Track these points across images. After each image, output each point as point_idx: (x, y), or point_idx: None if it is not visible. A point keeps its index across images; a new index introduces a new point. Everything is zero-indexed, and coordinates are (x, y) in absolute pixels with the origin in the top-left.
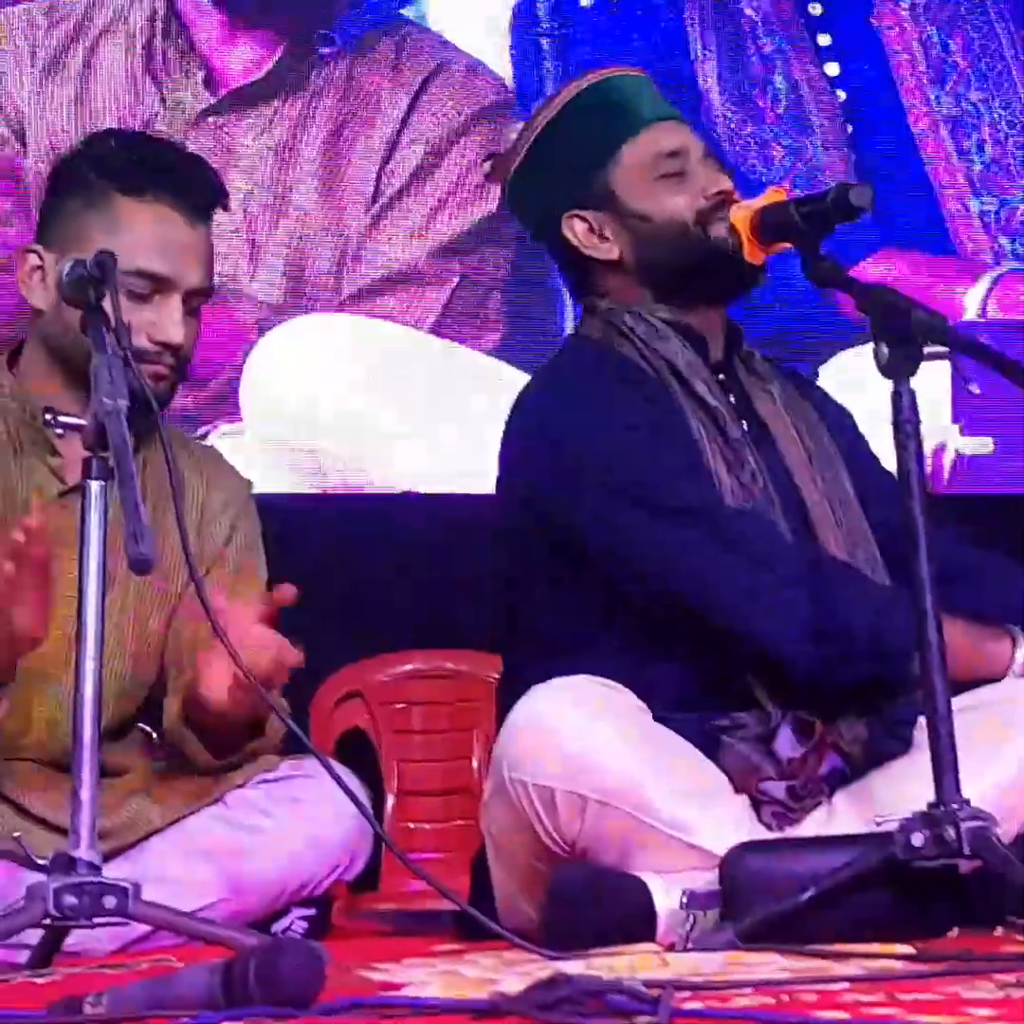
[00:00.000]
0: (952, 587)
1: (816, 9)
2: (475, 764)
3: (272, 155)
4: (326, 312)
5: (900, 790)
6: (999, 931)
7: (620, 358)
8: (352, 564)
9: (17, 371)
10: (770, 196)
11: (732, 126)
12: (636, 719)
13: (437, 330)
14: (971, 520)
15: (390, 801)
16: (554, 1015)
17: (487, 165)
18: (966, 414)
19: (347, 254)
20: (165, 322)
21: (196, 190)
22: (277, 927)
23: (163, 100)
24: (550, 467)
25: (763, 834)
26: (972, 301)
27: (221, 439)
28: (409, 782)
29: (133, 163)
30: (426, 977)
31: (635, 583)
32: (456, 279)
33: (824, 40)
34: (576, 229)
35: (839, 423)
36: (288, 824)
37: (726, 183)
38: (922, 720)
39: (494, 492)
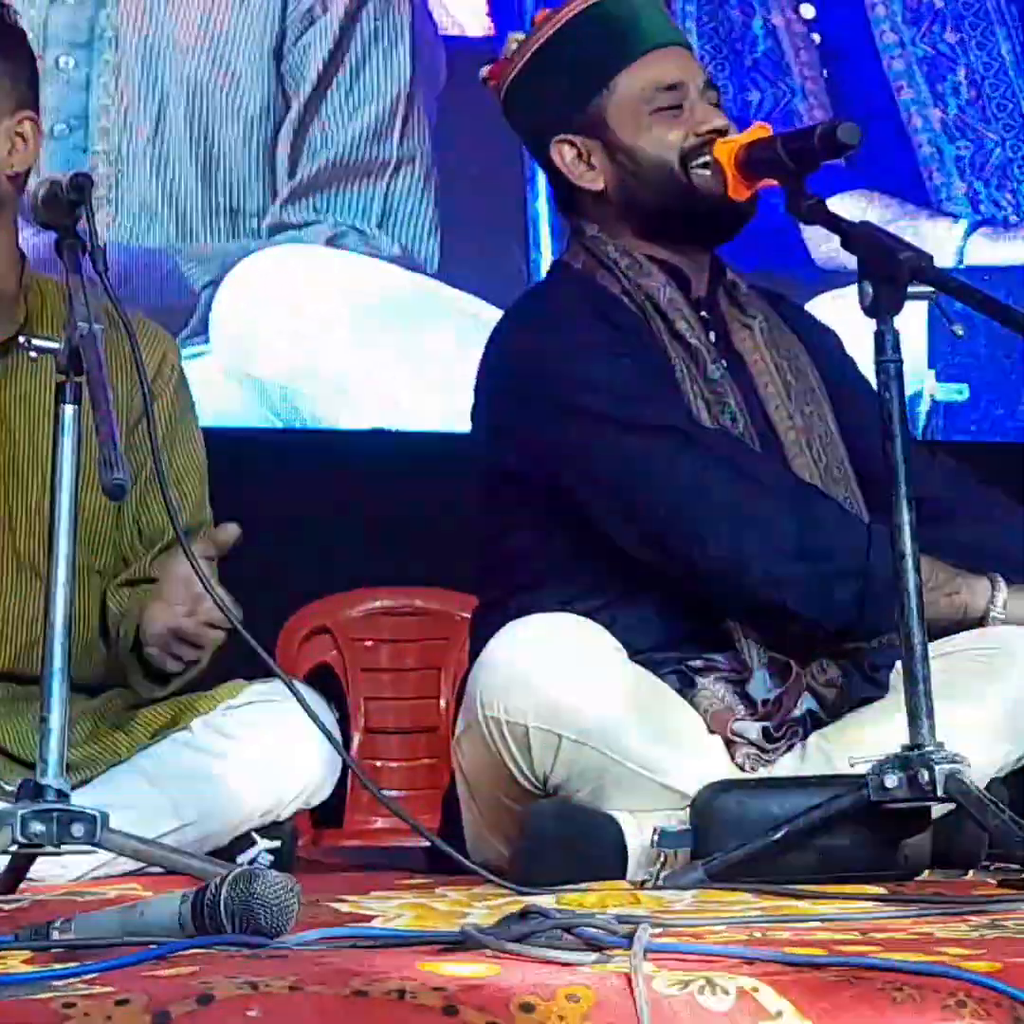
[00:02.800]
0: (938, 526)
1: None
2: (443, 703)
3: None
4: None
5: (874, 733)
6: (970, 875)
7: (601, 290)
8: (322, 500)
9: None
10: (755, 132)
11: (710, 71)
12: (612, 658)
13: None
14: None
15: (356, 739)
16: (526, 947)
17: (485, 70)
18: (942, 361)
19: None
20: None
21: None
22: (242, 859)
23: None
24: (526, 394)
25: (736, 775)
26: (947, 249)
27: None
28: (376, 720)
29: None
30: (395, 910)
31: (611, 505)
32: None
33: (807, 12)
34: (564, 154)
35: (826, 350)
36: (253, 749)
37: (719, 121)
38: (899, 665)
39: (468, 428)
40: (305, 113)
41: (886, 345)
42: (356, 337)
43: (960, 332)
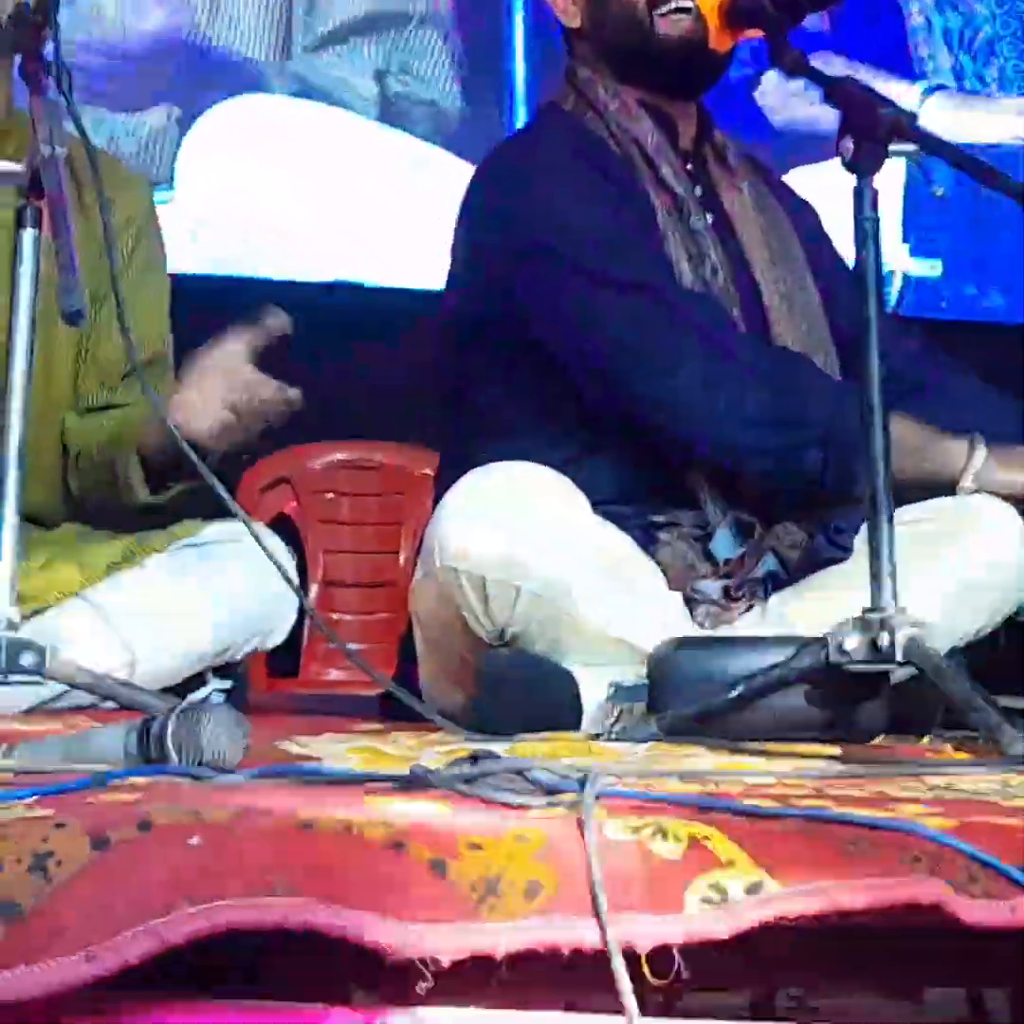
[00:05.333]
0: (910, 398)
1: None
2: (402, 558)
3: None
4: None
5: (836, 596)
6: (925, 741)
7: (588, 133)
8: (284, 352)
9: None
10: None
11: None
12: (573, 510)
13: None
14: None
15: (314, 590)
16: (476, 789)
17: None
18: (915, 235)
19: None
20: None
21: None
22: (193, 698)
23: None
24: (504, 239)
25: (695, 633)
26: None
27: None
28: (334, 572)
29: None
30: (346, 753)
31: (579, 361)
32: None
33: None
34: None
35: (805, 221)
36: (208, 589)
37: None
38: (864, 528)
39: (435, 285)
40: None
41: (864, 202)
42: (323, 190)
43: (941, 192)
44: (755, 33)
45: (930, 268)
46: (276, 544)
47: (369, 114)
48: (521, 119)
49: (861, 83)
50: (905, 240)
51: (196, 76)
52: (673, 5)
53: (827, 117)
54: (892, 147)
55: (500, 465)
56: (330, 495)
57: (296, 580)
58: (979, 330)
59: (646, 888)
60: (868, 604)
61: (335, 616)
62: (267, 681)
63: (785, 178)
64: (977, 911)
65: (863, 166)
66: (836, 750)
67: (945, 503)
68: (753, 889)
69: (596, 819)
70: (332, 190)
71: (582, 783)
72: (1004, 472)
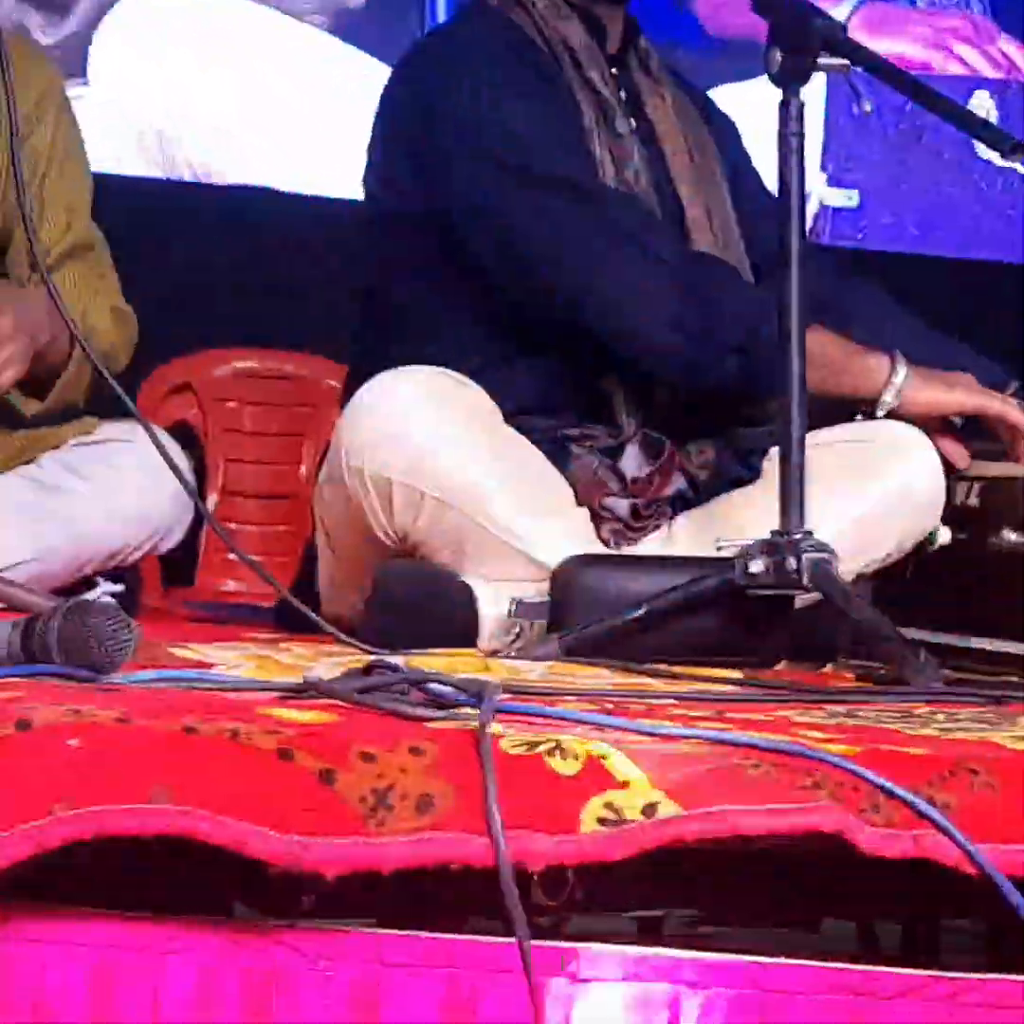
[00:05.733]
0: (825, 316)
1: None
2: (303, 471)
3: None
4: None
5: (743, 518)
6: (828, 668)
7: (515, 28)
8: (197, 256)
9: None
10: None
11: None
12: (485, 419)
13: None
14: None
15: (213, 499)
16: (371, 699)
17: None
18: (833, 164)
19: None
20: None
21: None
22: (81, 599)
23: None
24: (425, 132)
25: (600, 549)
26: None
27: None
28: (234, 482)
29: None
30: (238, 659)
31: (498, 255)
32: None
33: None
34: None
35: (726, 138)
36: (102, 488)
37: None
38: (773, 451)
39: (349, 195)
40: None
41: (790, 116)
42: (241, 90)
43: (868, 108)
44: None
45: (847, 198)
46: (173, 447)
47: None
48: (441, 16)
49: None
50: (823, 169)
51: None
52: None
53: (763, 28)
54: (821, 60)
55: (412, 368)
56: (233, 403)
57: (193, 483)
58: (893, 260)
59: (541, 806)
60: (774, 527)
61: (234, 526)
62: (161, 589)
63: (717, 91)
64: (878, 840)
65: (790, 78)
66: (739, 674)
67: (859, 428)
68: (650, 810)
69: (493, 733)
70: (240, 89)
71: (479, 697)
72: (927, 390)
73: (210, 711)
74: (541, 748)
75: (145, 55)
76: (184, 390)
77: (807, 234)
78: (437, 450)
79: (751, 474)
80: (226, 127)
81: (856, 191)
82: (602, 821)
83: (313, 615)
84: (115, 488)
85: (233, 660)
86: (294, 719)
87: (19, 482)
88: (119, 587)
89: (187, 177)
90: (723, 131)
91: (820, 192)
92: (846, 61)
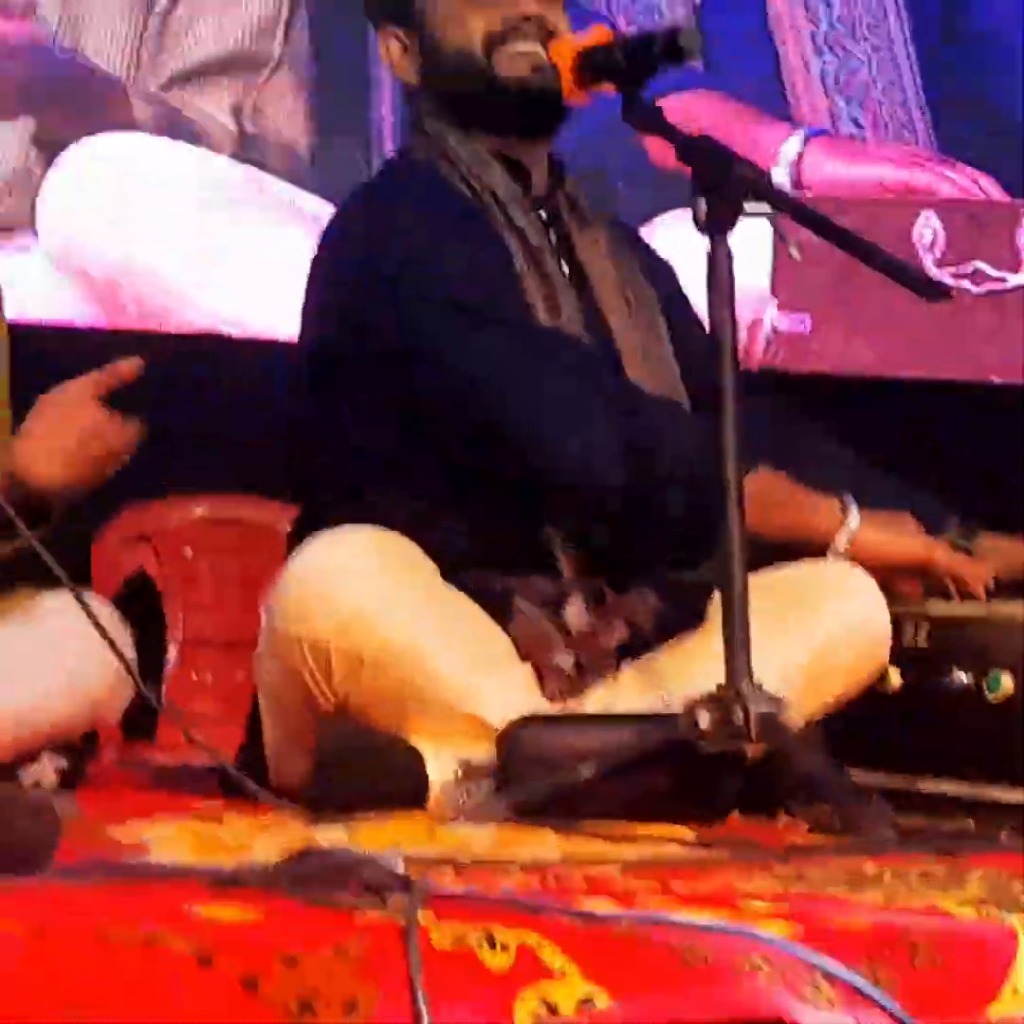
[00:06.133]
0: (768, 456)
1: None
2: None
3: None
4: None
5: (688, 667)
6: (782, 818)
7: (439, 180)
8: (145, 402)
9: None
10: (594, 35)
11: None
12: (421, 576)
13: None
14: (785, 398)
15: (173, 650)
16: (302, 890)
17: None
18: (784, 289)
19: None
20: None
21: None
22: (26, 774)
23: None
24: (358, 275)
25: (545, 706)
26: (781, 164)
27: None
28: (194, 631)
29: None
30: (177, 837)
31: (435, 393)
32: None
33: None
34: (390, 47)
35: (661, 276)
36: (42, 662)
37: (530, 5)
38: (717, 595)
39: (291, 335)
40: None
41: (718, 264)
42: (185, 232)
43: (796, 254)
44: (608, 88)
45: (799, 322)
46: (111, 616)
47: (225, 151)
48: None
49: (712, 140)
50: (774, 293)
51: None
52: (512, 50)
53: None
54: (746, 206)
55: (343, 530)
56: (190, 552)
57: (132, 653)
58: (848, 383)
59: (473, 1003)
60: (721, 677)
61: (196, 676)
62: (122, 743)
63: (664, 217)
64: (820, 1021)
65: (715, 226)
66: (689, 833)
67: (802, 569)
68: (586, 1005)
69: (421, 926)
70: (193, 233)
71: (409, 884)
72: (876, 535)
73: (126, 912)
74: (472, 940)
75: (92, 204)
76: (140, 540)
77: (760, 358)
78: (373, 612)
79: (695, 619)
80: (173, 273)
81: (808, 315)
82: (537, 1018)
83: (251, 784)
84: (55, 662)
85: (172, 837)
86: (217, 917)
87: None
88: (63, 762)
89: (134, 325)
90: (657, 269)
91: (771, 317)
92: (768, 207)
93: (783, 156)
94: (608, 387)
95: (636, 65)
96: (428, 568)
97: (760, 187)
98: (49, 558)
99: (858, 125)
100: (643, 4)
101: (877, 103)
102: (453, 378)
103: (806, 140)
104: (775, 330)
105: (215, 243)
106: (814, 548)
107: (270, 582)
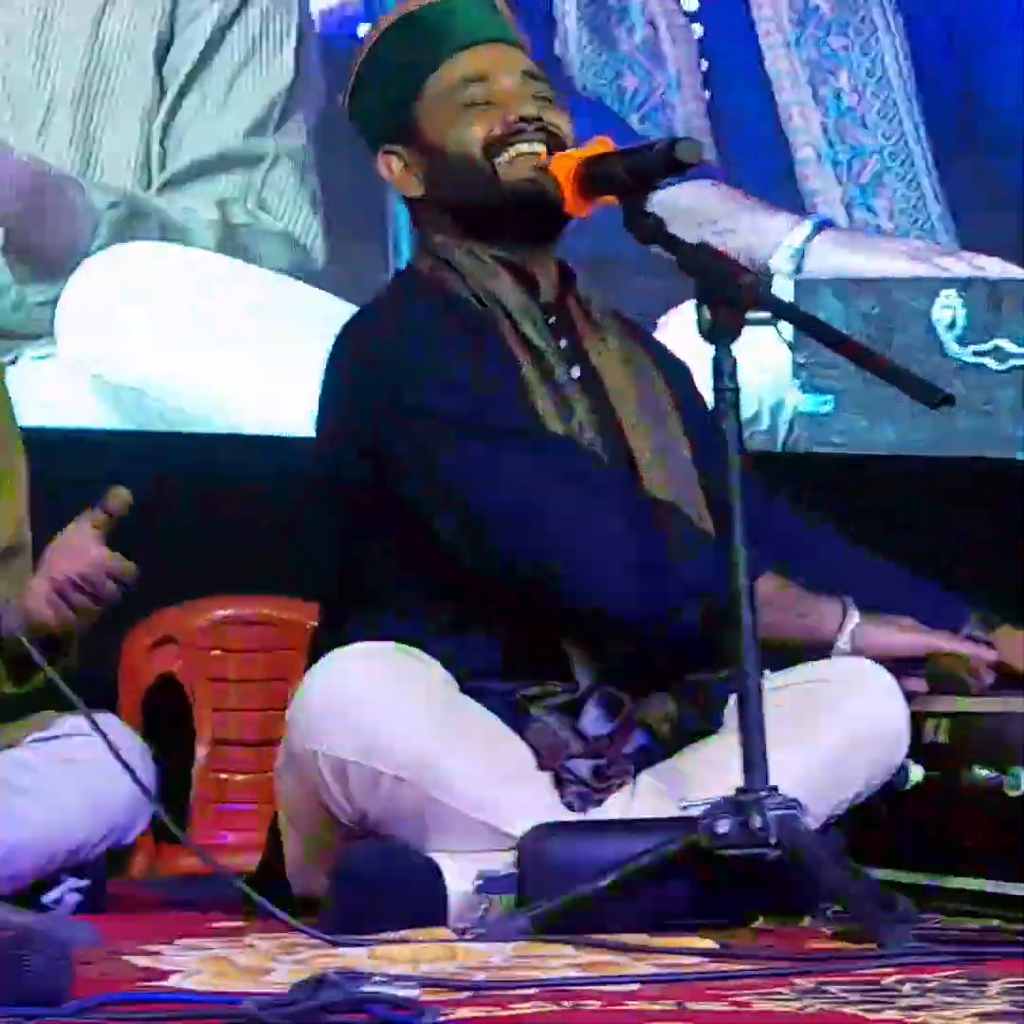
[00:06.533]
0: (779, 561)
1: None
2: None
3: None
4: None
5: (706, 773)
6: (805, 921)
7: (447, 293)
8: (170, 506)
9: None
10: (595, 146)
11: (587, 54)
12: (437, 691)
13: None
14: (809, 480)
15: (202, 751)
16: None
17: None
18: (805, 370)
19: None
20: None
21: None
22: (47, 898)
23: None
24: (365, 395)
25: (564, 815)
26: (784, 252)
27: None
28: (222, 731)
29: None
30: (197, 964)
31: (446, 510)
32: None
33: (689, 4)
34: (391, 165)
35: (677, 380)
36: (61, 786)
37: (528, 108)
38: (733, 700)
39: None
40: (179, 107)
41: (723, 372)
42: (209, 336)
43: (799, 358)
44: (610, 200)
45: (822, 403)
46: (128, 738)
47: (211, 246)
48: (405, 255)
49: (714, 250)
50: (795, 376)
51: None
52: (513, 152)
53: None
54: (749, 315)
55: (357, 646)
56: (217, 652)
57: (150, 772)
58: (872, 464)
59: None
60: (738, 782)
61: (224, 776)
62: (153, 848)
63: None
64: None
65: (719, 335)
66: (711, 943)
67: (814, 668)
68: None
69: None
70: (217, 336)
71: (420, 1015)
72: (879, 635)
73: None
74: None
75: (111, 311)
76: (167, 643)
77: (782, 441)
78: (391, 729)
79: (712, 725)
80: (195, 375)
81: (831, 396)
82: None
83: (270, 907)
84: (74, 786)
85: (191, 964)
86: None
87: None
88: (84, 883)
89: (159, 427)
90: (672, 370)
91: (794, 399)
92: (770, 315)
93: (788, 245)
94: (621, 501)
95: (637, 177)
96: (444, 681)
97: (761, 295)
98: (66, 689)
99: (873, 212)
100: (655, 101)
101: (891, 191)
102: (463, 491)
103: (816, 229)
104: (797, 411)
105: (232, 345)
106: (818, 649)
107: (296, 679)
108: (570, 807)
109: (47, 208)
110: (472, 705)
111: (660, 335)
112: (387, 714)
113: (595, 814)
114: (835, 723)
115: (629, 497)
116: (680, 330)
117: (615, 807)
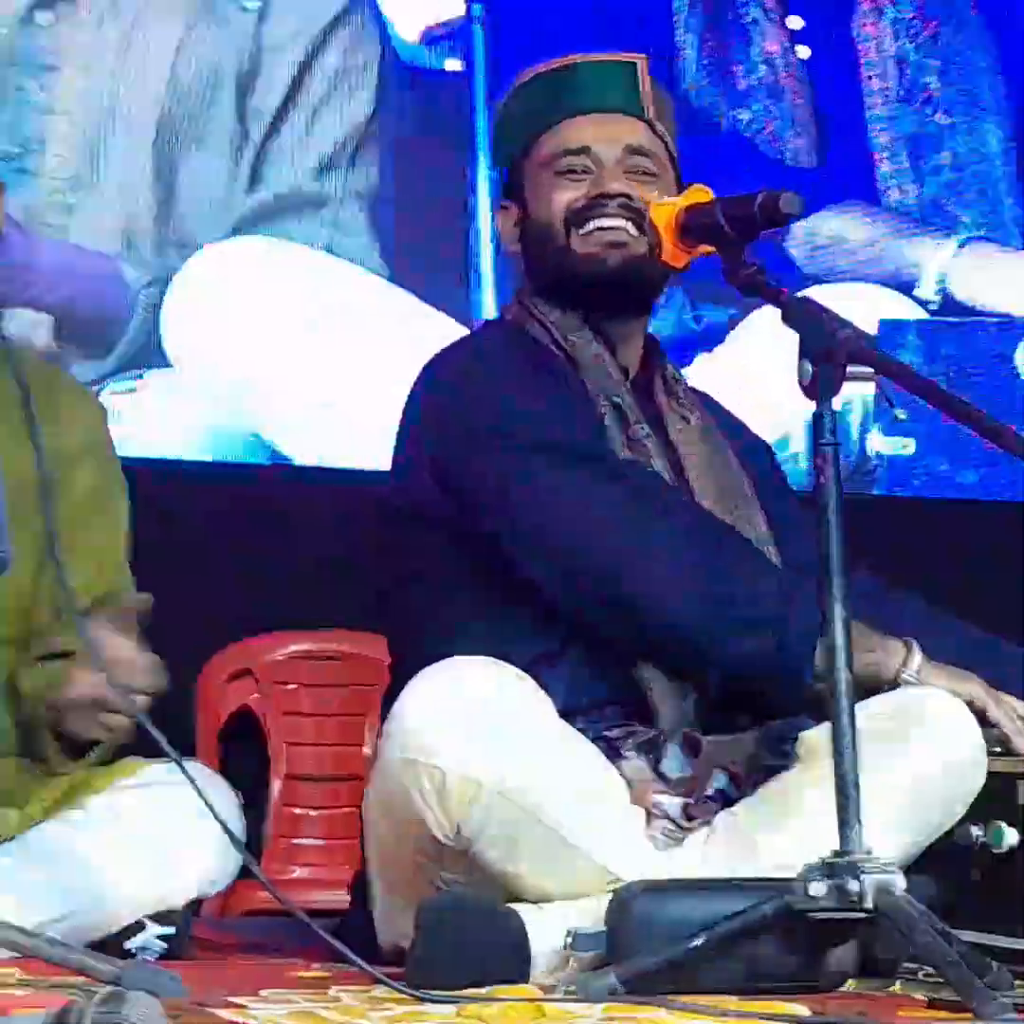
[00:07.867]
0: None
1: (796, 22)
2: (366, 750)
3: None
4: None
5: (784, 813)
6: (897, 986)
7: (531, 339)
8: (247, 539)
9: None
10: (693, 195)
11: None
12: (541, 708)
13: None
14: (891, 522)
15: (277, 785)
16: None
17: None
18: (887, 415)
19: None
20: None
21: None
22: (132, 944)
23: None
24: (444, 424)
25: (651, 849)
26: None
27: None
28: (297, 766)
29: None
30: (285, 1018)
31: (523, 535)
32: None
33: (802, 52)
34: (503, 219)
35: (755, 460)
36: (145, 836)
37: (616, 184)
38: (804, 735)
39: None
40: (263, 146)
41: (823, 427)
42: (304, 369)
43: (902, 416)
44: (709, 250)
45: (902, 446)
46: (218, 785)
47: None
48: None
49: (816, 304)
50: (877, 419)
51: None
52: (592, 226)
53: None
54: (850, 370)
55: (464, 659)
56: (292, 686)
57: (240, 822)
58: (952, 508)
59: None
60: (815, 821)
61: (298, 810)
62: (230, 889)
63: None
64: None
65: (821, 390)
66: (803, 1009)
67: (887, 699)
68: None
69: None
70: (311, 368)
71: None
72: (938, 678)
73: None
74: None
75: (214, 329)
76: (243, 676)
77: (864, 486)
78: (493, 740)
79: (786, 760)
80: (285, 408)
81: (912, 439)
82: None
83: (360, 962)
84: (160, 833)
85: (277, 1018)
86: None
87: (64, 829)
88: (168, 930)
89: (245, 457)
90: (751, 450)
91: (875, 442)
92: (872, 370)
93: (933, 271)
94: (694, 531)
95: (737, 227)
96: (544, 700)
97: (864, 350)
98: (156, 733)
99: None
100: (770, 132)
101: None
102: (533, 527)
103: (961, 245)
104: (879, 455)
105: (323, 379)
106: (877, 687)
107: (372, 715)
108: (653, 840)
109: (91, 292)
110: (573, 731)
111: (731, 347)
112: (491, 727)
113: (676, 851)
114: (910, 753)
115: (704, 522)
116: (748, 342)
117: (693, 845)
